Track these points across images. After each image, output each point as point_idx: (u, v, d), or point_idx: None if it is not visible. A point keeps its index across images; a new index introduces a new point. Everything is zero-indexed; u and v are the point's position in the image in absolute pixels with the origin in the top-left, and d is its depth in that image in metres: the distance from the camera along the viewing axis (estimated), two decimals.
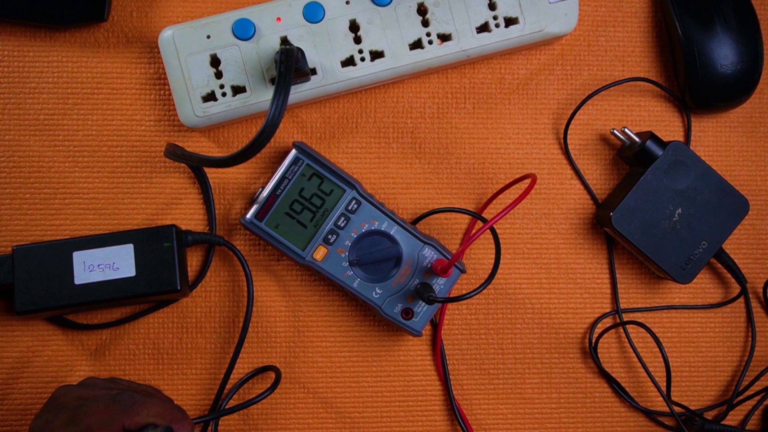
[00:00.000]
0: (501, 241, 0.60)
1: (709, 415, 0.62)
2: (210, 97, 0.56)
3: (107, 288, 0.54)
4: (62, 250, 0.55)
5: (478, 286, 0.56)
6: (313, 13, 0.56)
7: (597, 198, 0.62)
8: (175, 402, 0.58)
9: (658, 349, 0.62)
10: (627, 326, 0.62)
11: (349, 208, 0.56)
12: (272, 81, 0.56)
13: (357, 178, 0.59)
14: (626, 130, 0.59)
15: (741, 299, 0.63)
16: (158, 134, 0.59)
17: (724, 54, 0.59)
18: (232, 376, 0.59)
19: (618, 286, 0.62)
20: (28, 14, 0.56)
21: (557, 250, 0.62)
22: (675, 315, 0.62)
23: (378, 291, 0.57)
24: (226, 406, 0.58)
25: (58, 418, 0.45)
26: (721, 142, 0.63)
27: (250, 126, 0.60)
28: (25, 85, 0.58)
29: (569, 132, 0.62)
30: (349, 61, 0.56)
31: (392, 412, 0.60)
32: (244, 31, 0.55)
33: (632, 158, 0.59)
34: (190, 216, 0.59)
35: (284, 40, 0.56)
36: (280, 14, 0.56)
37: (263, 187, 0.56)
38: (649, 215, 0.58)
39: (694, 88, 0.60)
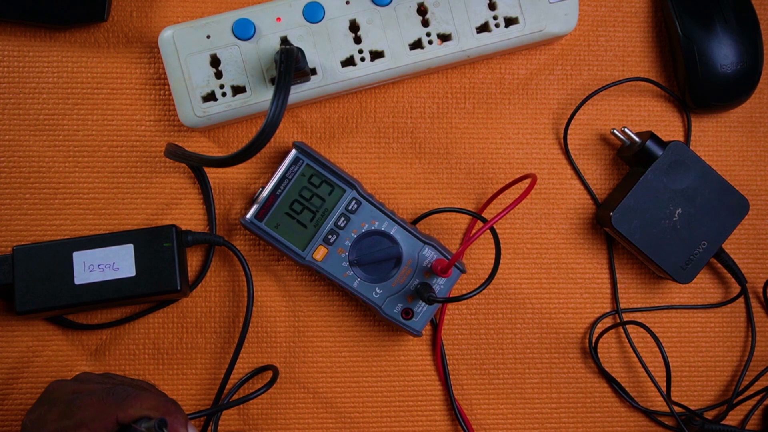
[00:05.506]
0: (501, 241, 0.60)
1: (709, 415, 0.62)
2: (210, 97, 0.56)
3: (107, 288, 0.54)
4: (62, 250, 0.55)
5: (478, 286, 0.56)
6: (313, 13, 0.56)
7: (597, 198, 0.62)
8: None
9: (658, 349, 0.62)
10: (627, 326, 0.62)
11: (349, 208, 0.56)
12: (272, 81, 0.56)
13: (357, 178, 0.59)
14: (626, 130, 0.59)
15: (741, 299, 0.63)
16: (158, 134, 0.59)
17: (724, 54, 0.59)
18: (232, 376, 0.59)
19: (618, 286, 0.62)
20: (28, 14, 0.56)
21: (557, 250, 0.62)
22: (675, 315, 0.62)
23: (378, 291, 0.57)
24: None
25: (51, 412, 0.45)
26: (721, 142, 0.63)
27: (250, 126, 0.60)
28: (25, 85, 0.58)
29: (569, 132, 0.62)
30: (349, 61, 0.56)
31: (392, 412, 0.60)
32: (244, 31, 0.55)
33: (632, 158, 0.59)
34: (190, 216, 0.59)
35: (284, 40, 0.56)
36: (280, 14, 0.56)
37: (263, 187, 0.56)
38: (649, 215, 0.58)
39: (694, 88, 0.60)
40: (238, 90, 0.56)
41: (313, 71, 0.56)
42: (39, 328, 0.58)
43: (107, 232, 0.58)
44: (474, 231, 0.61)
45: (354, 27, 0.56)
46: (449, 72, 0.61)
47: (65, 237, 0.58)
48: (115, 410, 0.44)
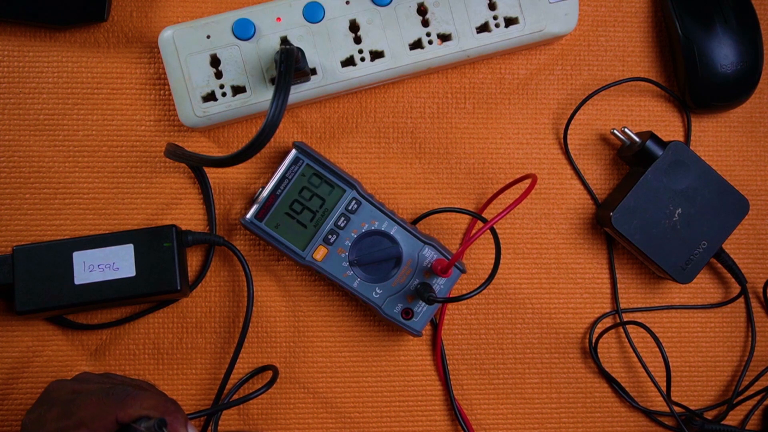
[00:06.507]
0: (501, 241, 0.60)
1: (709, 415, 0.62)
2: (210, 97, 0.56)
3: (107, 288, 0.54)
4: (62, 250, 0.55)
5: (478, 286, 0.56)
6: (313, 13, 0.56)
7: (597, 198, 0.62)
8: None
9: (658, 349, 0.62)
10: (627, 326, 0.62)
11: (349, 208, 0.56)
12: (272, 81, 0.56)
13: (357, 178, 0.59)
14: (626, 130, 0.59)
15: (741, 299, 0.63)
16: (158, 134, 0.59)
17: (724, 54, 0.59)
18: (232, 376, 0.59)
19: (618, 286, 0.62)
20: (28, 14, 0.56)
21: (557, 250, 0.62)
22: (675, 315, 0.62)
23: (378, 291, 0.57)
24: None
25: (51, 412, 0.45)
26: (721, 142, 0.63)
27: (250, 126, 0.60)
28: (25, 85, 0.58)
29: (569, 132, 0.62)
30: (349, 61, 0.56)
31: (392, 412, 0.60)
32: (244, 31, 0.55)
33: (632, 158, 0.59)
34: (190, 216, 0.59)
35: (284, 40, 0.56)
36: (280, 14, 0.56)
37: (263, 187, 0.56)
38: (649, 215, 0.58)
39: (694, 88, 0.60)
40: (238, 90, 0.56)
41: (313, 71, 0.56)
42: (39, 328, 0.58)
43: (107, 232, 0.58)
44: (474, 231, 0.61)
45: (354, 27, 0.56)
46: (449, 72, 0.61)
47: (65, 237, 0.58)
48: (114, 410, 0.44)
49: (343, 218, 0.56)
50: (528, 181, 0.60)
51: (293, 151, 0.56)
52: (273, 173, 0.57)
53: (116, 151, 0.59)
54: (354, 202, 0.56)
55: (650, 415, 0.62)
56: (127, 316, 0.58)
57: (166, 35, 0.55)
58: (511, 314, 0.61)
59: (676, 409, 0.61)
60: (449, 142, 0.61)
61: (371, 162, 0.60)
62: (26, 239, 0.58)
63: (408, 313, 0.57)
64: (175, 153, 0.55)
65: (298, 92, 0.56)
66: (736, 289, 0.63)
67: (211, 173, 0.59)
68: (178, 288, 0.55)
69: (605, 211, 0.59)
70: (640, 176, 0.58)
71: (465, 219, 0.61)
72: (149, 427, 0.43)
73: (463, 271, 0.57)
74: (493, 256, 0.61)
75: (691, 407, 0.62)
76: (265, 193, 0.56)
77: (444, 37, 0.57)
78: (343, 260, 0.57)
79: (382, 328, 0.60)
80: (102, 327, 0.58)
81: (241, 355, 0.59)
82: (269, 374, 0.59)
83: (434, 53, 0.57)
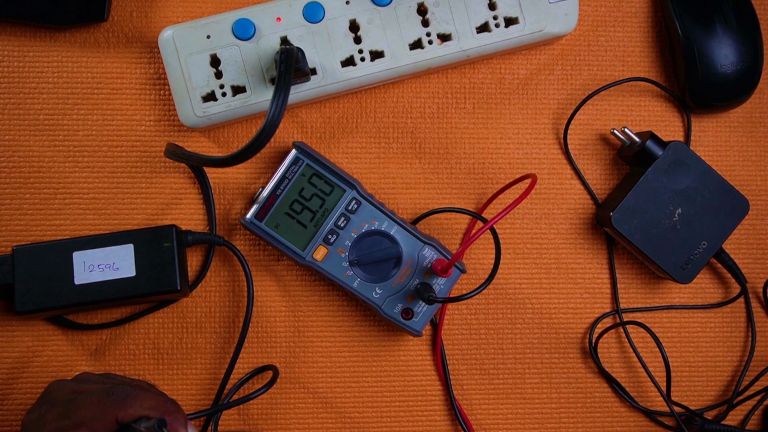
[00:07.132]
0: (501, 241, 0.60)
1: (709, 415, 0.62)
2: (210, 97, 0.56)
3: (107, 288, 0.54)
4: (62, 250, 0.55)
5: (478, 286, 0.56)
6: (313, 13, 0.56)
7: (597, 198, 0.62)
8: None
9: (658, 349, 0.62)
10: (627, 326, 0.62)
11: (349, 208, 0.56)
12: (272, 81, 0.56)
13: (357, 178, 0.59)
14: (626, 130, 0.59)
15: (741, 299, 0.63)
16: (158, 134, 0.59)
17: (724, 54, 0.59)
18: (232, 376, 0.59)
19: (618, 286, 0.62)
20: (28, 14, 0.56)
21: (557, 250, 0.62)
22: (675, 315, 0.62)
23: (378, 291, 0.57)
24: None
25: (51, 411, 0.45)
26: (721, 142, 0.63)
27: (250, 126, 0.60)
28: (25, 85, 0.58)
29: (569, 132, 0.62)
30: (349, 61, 0.56)
31: (392, 412, 0.60)
32: (244, 31, 0.55)
33: (632, 158, 0.59)
34: (190, 216, 0.59)
35: (284, 40, 0.56)
36: (280, 14, 0.56)
37: (263, 187, 0.56)
38: (649, 215, 0.58)
39: (694, 88, 0.60)
40: (238, 90, 0.56)
41: (313, 71, 0.56)
42: (39, 328, 0.58)
43: (107, 232, 0.58)
44: (474, 231, 0.61)
45: (354, 27, 0.56)
46: (449, 72, 0.61)
47: (65, 237, 0.58)
48: (114, 410, 0.44)
49: (343, 218, 0.56)
50: (528, 181, 0.60)
51: (293, 151, 0.56)
52: (273, 173, 0.57)
53: (116, 151, 0.59)
54: (354, 202, 0.56)
55: (650, 415, 0.62)
56: (127, 316, 0.58)
57: (166, 35, 0.55)
58: (511, 314, 0.61)
59: (676, 409, 0.61)
60: (449, 142, 0.61)
61: (371, 162, 0.60)
62: (26, 239, 0.58)
63: (408, 313, 0.57)
64: (175, 153, 0.55)
65: (298, 92, 0.56)
66: (736, 289, 0.63)
67: (211, 173, 0.59)
68: (178, 288, 0.55)
69: (605, 211, 0.59)
70: (640, 176, 0.58)
71: (465, 219, 0.61)
72: (149, 427, 0.43)
73: (463, 271, 0.57)
74: (493, 256, 0.61)
75: (691, 407, 0.62)
76: (265, 193, 0.56)
77: (444, 37, 0.57)
78: (343, 260, 0.57)
79: (382, 328, 0.60)
80: (102, 327, 0.58)
81: (241, 355, 0.59)
82: (269, 374, 0.59)
83: (434, 53, 0.57)
